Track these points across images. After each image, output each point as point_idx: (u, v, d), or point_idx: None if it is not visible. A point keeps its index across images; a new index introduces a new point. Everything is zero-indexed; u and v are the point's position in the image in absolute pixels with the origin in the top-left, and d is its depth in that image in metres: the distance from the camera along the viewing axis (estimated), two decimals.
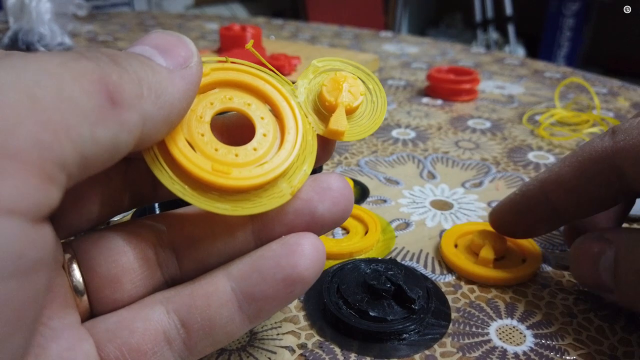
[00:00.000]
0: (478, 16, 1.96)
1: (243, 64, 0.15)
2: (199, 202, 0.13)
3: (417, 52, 0.64)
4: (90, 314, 0.14)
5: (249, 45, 0.16)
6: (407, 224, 0.27)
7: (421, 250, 0.25)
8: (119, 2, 1.55)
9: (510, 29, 1.92)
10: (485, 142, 0.37)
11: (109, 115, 0.10)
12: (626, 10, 1.47)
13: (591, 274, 0.19)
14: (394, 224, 0.27)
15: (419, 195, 0.30)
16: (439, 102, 0.45)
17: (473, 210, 0.28)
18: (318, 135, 0.16)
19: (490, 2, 1.93)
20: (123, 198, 0.15)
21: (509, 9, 1.90)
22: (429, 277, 0.23)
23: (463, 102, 0.45)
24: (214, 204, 0.13)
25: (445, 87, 0.45)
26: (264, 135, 0.15)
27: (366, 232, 0.25)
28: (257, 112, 0.15)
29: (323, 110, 0.16)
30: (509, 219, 0.22)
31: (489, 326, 0.20)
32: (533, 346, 0.19)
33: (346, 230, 0.26)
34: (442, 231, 0.26)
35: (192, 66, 0.13)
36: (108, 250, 0.14)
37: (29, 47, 0.47)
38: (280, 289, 0.13)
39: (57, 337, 0.12)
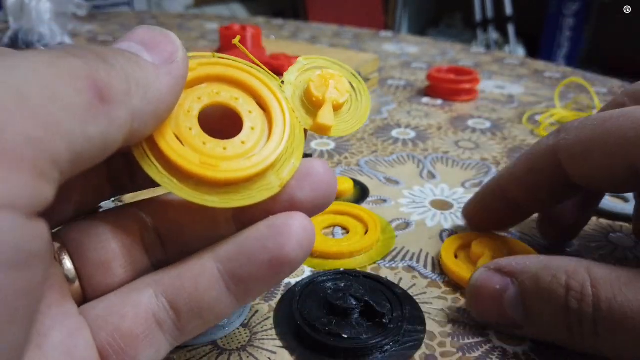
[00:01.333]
0: (478, 16, 1.96)
1: (230, 59, 0.16)
2: (188, 195, 0.13)
3: (417, 52, 0.64)
4: (83, 301, 0.14)
5: (236, 40, 0.16)
6: (407, 224, 0.27)
7: (421, 250, 0.25)
8: (119, 1, 1.55)
9: (510, 29, 1.92)
10: (485, 142, 0.37)
11: (98, 112, 0.10)
12: (626, 10, 1.47)
13: (495, 312, 0.18)
14: (394, 224, 0.27)
15: (419, 195, 0.30)
16: (439, 102, 0.45)
17: None
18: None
19: (490, 2, 1.93)
20: (105, 188, 0.16)
21: (509, 9, 1.90)
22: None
23: (463, 102, 0.45)
24: (203, 196, 0.14)
25: (445, 87, 0.45)
26: (252, 128, 0.15)
27: (366, 232, 0.25)
28: (245, 106, 0.15)
29: (310, 105, 0.16)
30: (477, 215, 0.24)
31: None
32: (533, 346, 0.19)
33: (346, 230, 0.26)
34: (442, 231, 0.26)
35: (177, 61, 0.13)
36: (97, 237, 0.14)
37: (28, 47, 0.47)
38: (267, 270, 0.13)
39: (57, 325, 0.12)
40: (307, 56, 0.17)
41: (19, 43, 0.47)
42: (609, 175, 0.19)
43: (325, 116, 0.16)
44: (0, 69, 0.09)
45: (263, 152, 0.15)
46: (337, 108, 0.17)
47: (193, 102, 0.15)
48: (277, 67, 0.41)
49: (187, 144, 0.14)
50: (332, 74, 0.17)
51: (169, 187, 0.13)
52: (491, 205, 0.23)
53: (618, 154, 0.18)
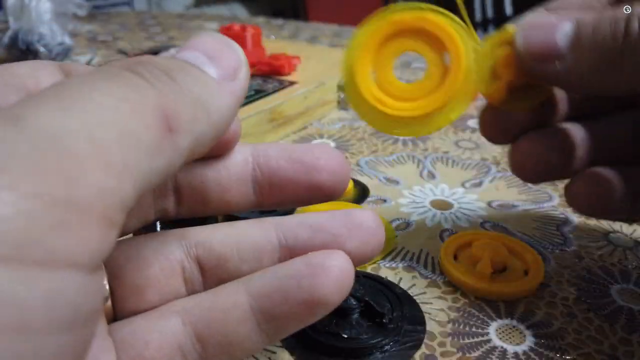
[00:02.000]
0: (478, 16, 1.96)
1: (443, 14, 0.19)
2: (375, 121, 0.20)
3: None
4: (112, 319, 0.14)
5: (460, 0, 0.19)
6: (407, 224, 0.27)
7: (421, 250, 0.25)
8: (119, 1, 1.55)
9: None
10: (485, 142, 0.37)
11: (165, 144, 0.10)
12: (626, 10, 1.47)
13: (545, 38, 0.17)
14: (394, 224, 0.27)
15: (419, 195, 0.30)
16: None
17: (473, 210, 0.28)
18: None
19: (490, 2, 1.93)
20: (150, 212, 0.15)
21: (509, 9, 1.90)
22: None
23: None
24: (388, 124, 0.20)
25: None
26: (427, 78, 0.20)
27: None
28: (432, 61, 0.20)
29: (494, 76, 0.19)
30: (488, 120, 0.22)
31: (488, 326, 0.20)
32: (533, 346, 0.19)
33: None
34: (442, 231, 0.26)
35: (240, 78, 0.12)
36: (137, 260, 0.14)
37: (28, 47, 0.47)
38: (302, 310, 0.13)
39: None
40: (512, 25, 0.19)
41: (19, 43, 0.47)
42: None
43: (497, 90, 0.19)
44: (72, 113, 0.08)
45: (423, 101, 0.19)
46: (513, 89, 0.19)
47: (391, 52, 0.20)
48: (278, 68, 0.41)
49: (379, 83, 0.20)
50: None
51: (360, 112, 0.20)
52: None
53: None
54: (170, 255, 0.14)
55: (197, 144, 0.11)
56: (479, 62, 0.19)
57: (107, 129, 0.09)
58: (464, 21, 0.19)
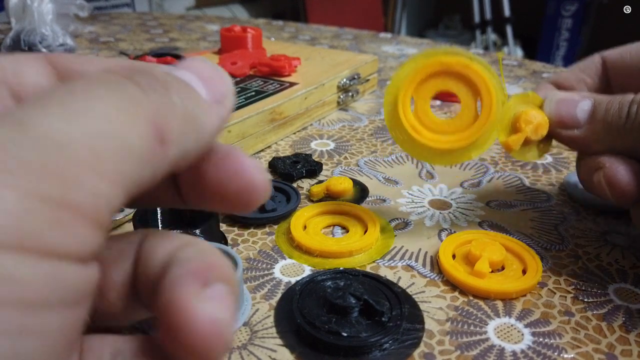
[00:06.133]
0: (476, 17, 1.96)
1: (485, 66, 0.22)
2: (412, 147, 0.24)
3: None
4: None
5: (500, 55, 0.25)
6: (406, 224, 0.27)
7: (420, 250, 0.25)
8: (120, 3, 1.55)
9: (509, 30, 1.92)
10: None
11: (156, 155, 0.10)
12: (626, 10, 1.48)
13: (568, 111, 0.23)
14: (393, 223, 0.27)
15: (417, 194, 0.30)
16: (438, 102, 0.45)
17: (471, 210, 0.29)
18: None
19: (488, 4, 1.94)
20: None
21: (507, 10, 1.91)
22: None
23: None
24: (422, 153, 0.24)
25: None
26: (459, 119, 0.23)
27: (365, 232, 0.26)
28: (466, 104, 0.23)
29: (511, 125, 0.23)
30: None
31: (487, 324, 0.20)
32: (531, 344, 0.19)
33: (345, 230, 0.26)
34: (441, 231, 0.27)
35: (226, 105, 0.13)
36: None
37: (30, 48, 0.47)
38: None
39: None
40: (534, 93, 0.23)
41: (21, 44, 0.47)
42: None
43: (515, 141, 0.22)
44: (76, 118, 0.09)
45: (454, 137, 0.23)
46: (527, 142, 0.23)
47: (432, 87, 0.23)
48: (278, 69, 0.41)
49: (416, 113, 0.24)
50: (543, 118, 0.23)
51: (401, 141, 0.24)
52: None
53: None
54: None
55: (182, 157, 0.11)
56: (503, 114, 0.23)
57: (105, 139, 0.09)
58: (499, 75, 0.22)
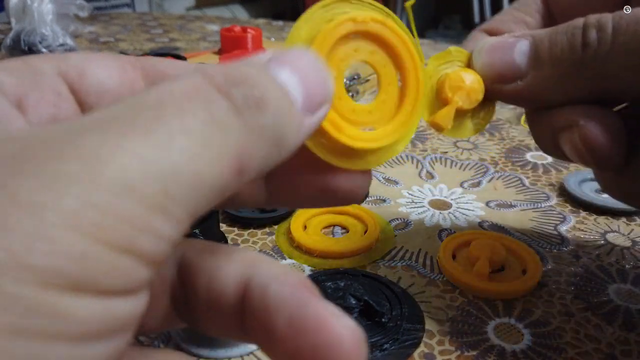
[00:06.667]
0: (476, 17, 1.96)
1: (394, 30, 0.15)
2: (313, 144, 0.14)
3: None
4: None
5: (408, 4, 0.16)
6: (406, 224, 0.27)
7: (420, 250, 0.25)
8: (120, 3, 1.55)
9: None
10: (483, 142, 0.38)
11: (231, 184, 0.10)
12: (626, 10, 1.47)
13: (503, 59, 0.17)
14: (393, 224, 0.27)
15: (417, 195, 0.30)
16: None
17: (471, 210, 0.29)
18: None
19: (488, 4, 1.94)
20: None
21: None
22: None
23: None
24: (321, 149, 0.14)
25: None
26: (384, 102, 0.15)
27: (365, 232, 0.26)
28: (388, 78, 0.15)
29: (436, 98, 0.16)
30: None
31: (487, 325, 0.20)
32: (531, 344, 0.19)
33: (346, 230, 0.26)
34: (440, 231, 0.27)
35: (319, 115, 0.12)
36: None
37: (30, 48, 0.47)
38: None
39: None
40: (456, 48, 0.17)
41: (21, 44, 0.47)
42: None
43: (445, 118, 0.16)
44: (154, 149, 0.08)
45: (381, 131, 0.15)
46: (459, 112, 0.17)
47: (349, 57, 0.14)
48: None
49: (332, 106, 0.14)
50: (473, 78, 0.17)
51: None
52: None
53: None
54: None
55: (257, 176, 0.11)
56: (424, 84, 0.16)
57: (183, 177, 0.09)
58: (411, 32, 0.16)
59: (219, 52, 0.49)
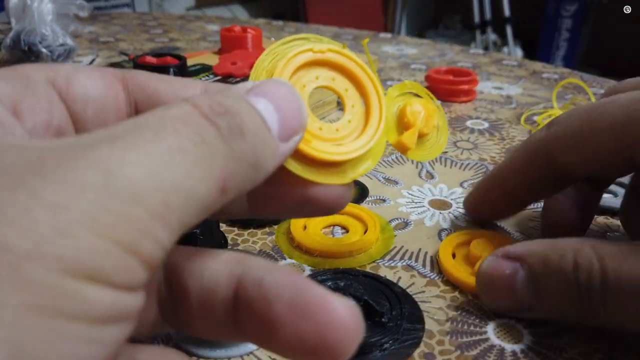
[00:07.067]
0: (476, 18, 1.96)
1: (352, 59, 0.17)
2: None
3: (415, 53, 0.64)
4: None
5: (364, 42, 0.19)
6: (405, 224, 0.27)
7: (420, 250, 0.25)
8: (120, 3, 1.55)
9: (509, 30, 1.92)
10: (483, 142, 0.38)
11: (216, 202, 0.11)
12: (626, 10, 1.48)
13: (507, 297, 0.19)
14: (393, 223, 0.27)
15: (417, 195, 0.30)
16: (438, 102, 0.46)
17: None
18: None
19: (488, 4, 1.94)
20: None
21: (507, 11, 1.91)
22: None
23: (461, 102, 0.46)
24: (292, 161, 0.14)
25: (443, 88, 0.46)
26: (349, 121, 0.16)
27: (365, 231, 0.26)
28: (351, 101, 0.17)
29: (399, 123, 0.18)
30: (477, 205, 0.26)
31: (487, 324, 0.20)
32: (531, 344, 0.19)
33: (345, 229, 0.26)
34: (440, 231, 0.27)
35: (293, 142, 0.13)
36: None
37: (30, 48, 0.47)
38: None
39: None
40: (411, 81, 0.19)
41: (21, 44, 0.47)
42: (602, 160, 0.20)
43: (410, 138, 0.18)
44: (157, 166, 0.10)
45: (350, 145, 0.16)
46: (420, 136, 0.19)
47: (310, 82, 0.16)
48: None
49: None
50: (428, 107, 0.19)
51: None
52: (491, 196, 0.25)
53: (609, 136, 0.19)
54: None
55: (236, 197, 0.12)
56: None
57: (179, 192, 0.10)
58: (370, 67, 0.17)
59: (219, 52, 0.49)
